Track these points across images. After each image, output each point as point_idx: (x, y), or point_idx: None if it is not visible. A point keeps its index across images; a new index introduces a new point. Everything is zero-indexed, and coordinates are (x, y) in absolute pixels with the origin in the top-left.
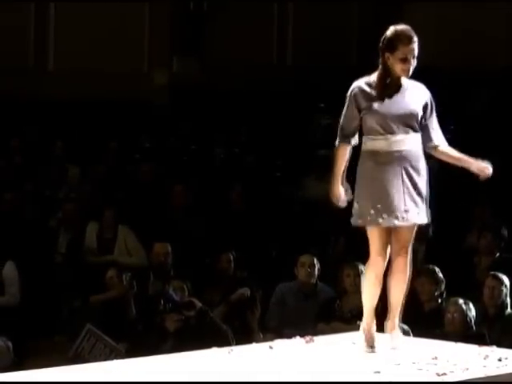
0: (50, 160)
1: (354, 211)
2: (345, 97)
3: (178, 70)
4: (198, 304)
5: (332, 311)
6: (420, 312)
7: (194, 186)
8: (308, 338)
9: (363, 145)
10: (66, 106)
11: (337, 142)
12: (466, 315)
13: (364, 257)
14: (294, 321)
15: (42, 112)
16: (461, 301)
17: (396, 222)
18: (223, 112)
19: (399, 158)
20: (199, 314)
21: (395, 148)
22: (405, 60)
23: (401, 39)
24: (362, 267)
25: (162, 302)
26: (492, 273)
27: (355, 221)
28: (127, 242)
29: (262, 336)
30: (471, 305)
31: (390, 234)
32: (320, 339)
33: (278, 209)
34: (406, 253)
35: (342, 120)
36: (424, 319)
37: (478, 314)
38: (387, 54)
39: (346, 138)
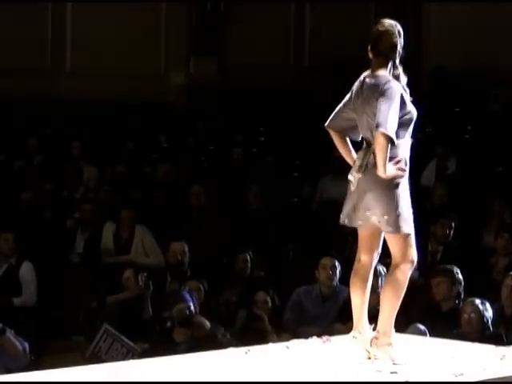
0: (68, 160)
1: (395, 219)
2: None
3: (195, 70)
4: (207, 325)
5: (349, 311)
6: (437, 312)
7: (211, 186)
8: (325, 338)
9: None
10: (83, 106)
11: (388, 135)
12: (483, 315)
13: (384, 257)
14: (313, 324)
15: (59, 112)
16: (477, 301)
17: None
18: (241, 112)
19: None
20: (207, 336)
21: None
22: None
23: (400, 34)
24: (380, 268)
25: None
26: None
27: (405, 228)
28: (144, 242)
29: (276, 337)
30: (488, 305)
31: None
32: (337, 339)
33: (295, 209)
34: None
35: (391, 114)
36: (441, 319)
37: (494, 314)
38: (393, 49)
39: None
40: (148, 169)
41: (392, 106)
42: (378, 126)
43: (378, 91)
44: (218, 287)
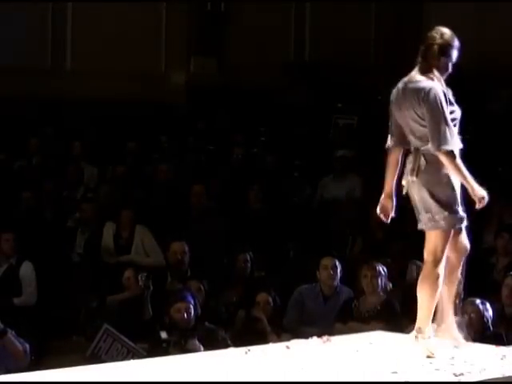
0: (68, 160)
1: (444, 215)
2: (363, 97)
3: (195, 69)
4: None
5: (350, 311)
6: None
7: (212, 186)
8: (325, 337)
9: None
10: (83, 106)
11: (450, 150)
12: (483, 315)
13: (384, 257)
14: (314, 323)
15: (60, 112)
16: (478, 301)
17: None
18: (241, 112)
19: None
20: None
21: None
22: (450, 66)
23: (453, 46)
24: (380, 267)
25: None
26: None
27: (457, 224)
28: (144, 242)
29: (276, 337)
30: (488, 305)
31: None
32: (337, 339)
33: (295, 209)
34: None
35: (442, 126)
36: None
37: (495, 314)
38: (442, 58)
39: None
40: (148, 169)
41: (440, 114)
42: (436, 146)
43: (421, 97)
44: (218, 287)
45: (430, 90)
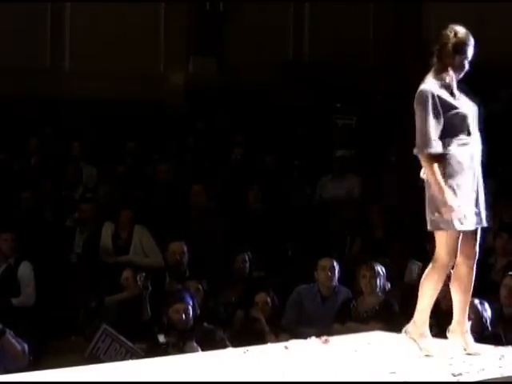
0: (68, 160)
1: (450, 215)
2: (362, 97)
3: (194, 70)
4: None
5: (348, 312)
6: (436, 311)
7: (211, 186)
8: (323, 338)
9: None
10: (82, 106)
11: (427, 154)
12: (482, 316)
13: (383, 257)
14: (312, 324)
15: (59, 112)
16: (476, 301)
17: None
18: (240, 112)
19: (475, 159)
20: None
21: (475, 148)
22: (466, 63)
23: (468, 44)
24: (379, 268)
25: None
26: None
27: (458, 225)
28: (143, 242)
29: (274, 337)
30: (487, 305)
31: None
32: (335, 339)
33: (295, 209)
34: None
35: (426, 128)
36: (440, 319)
37: (493, 314)
38: (457, 57)
39: (437, 146)
40: (148, 169)
41: (423, 118)
42: (416, 149)
43: (415, 100)
44: (217, 287)
45: (419, 92)
